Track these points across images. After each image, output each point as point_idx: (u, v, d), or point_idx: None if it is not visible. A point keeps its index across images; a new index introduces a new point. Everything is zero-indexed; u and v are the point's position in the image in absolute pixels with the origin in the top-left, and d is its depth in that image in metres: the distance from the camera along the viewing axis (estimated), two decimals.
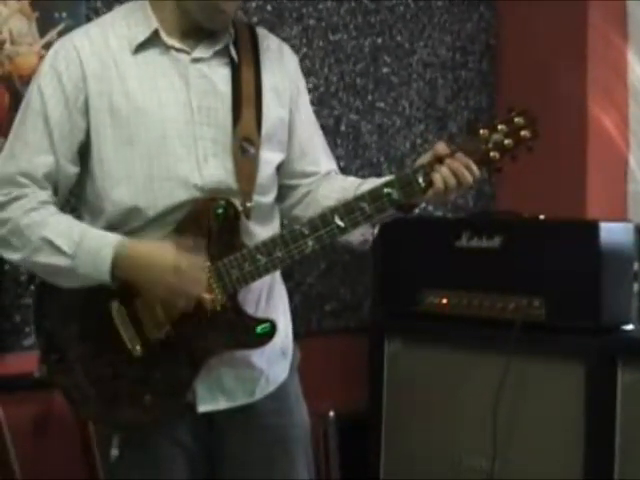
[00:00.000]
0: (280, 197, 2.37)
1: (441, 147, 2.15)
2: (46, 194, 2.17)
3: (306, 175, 2.37)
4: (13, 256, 2.17)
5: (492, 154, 2.14)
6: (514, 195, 4.14)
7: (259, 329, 2.19)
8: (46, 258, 2.12)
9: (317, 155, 2.39)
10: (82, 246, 2.11)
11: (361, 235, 2.31)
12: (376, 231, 2.34)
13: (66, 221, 2.16)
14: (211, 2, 2.15)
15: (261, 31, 2.34)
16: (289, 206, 2.38)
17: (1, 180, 2.17)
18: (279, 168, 2.33)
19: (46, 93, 2.16)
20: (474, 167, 2.13)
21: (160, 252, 2.11)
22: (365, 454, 3.60)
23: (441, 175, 2.12)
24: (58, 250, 2.11)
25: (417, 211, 2.25)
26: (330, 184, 2.35)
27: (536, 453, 3.19)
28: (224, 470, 2.31)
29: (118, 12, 2.28)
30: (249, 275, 2.15)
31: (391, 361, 3.55)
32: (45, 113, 2.16)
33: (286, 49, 2.38)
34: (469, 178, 2.13)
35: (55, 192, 2.19)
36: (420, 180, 2.13)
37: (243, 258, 2.15)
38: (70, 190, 2.24)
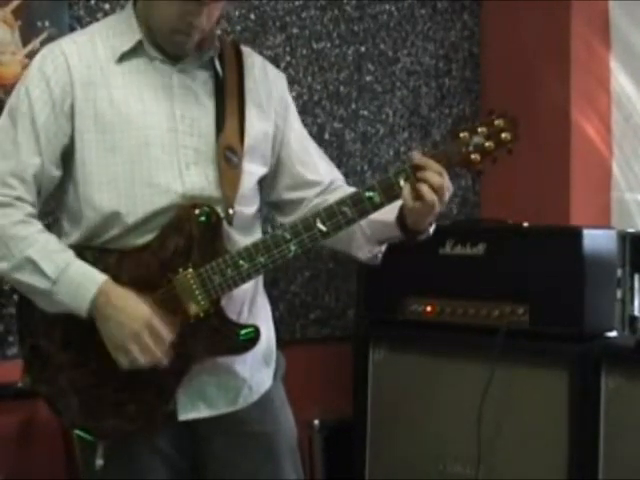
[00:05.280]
0: (287, 212, 2.37)
1: (416, 156, 2.14)
2: (32, 204, 2.16)
3: (309, 185, 2.36)
4: None
5: (473, 156, 2.13)
6: (498, 202, 4.15)
7: (243, 334, 2.19)
8: (27, 277, 2.12)
9: (316, 164, 2.39)
10: (66, 274, 2.11)
11: (369, 252, 2.31)
12: (384, 249, 2.34)
13: (53, 244, 2.15)
14: (168, 34, 2.17)
15: (246, 49, 2.36)
16: None
17: None
18: (280, 183, 2.34)
19: (33, 96, 2.17)
20: (445, 176, 2.11)
21: (136, 301, 2.11)
22: (350, 462, 3.60)
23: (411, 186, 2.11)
24: (40, 272, 2.11)
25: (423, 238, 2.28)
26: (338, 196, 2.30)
27: (520, 459, 3.19)
28: (208, 478, 2.30)
29: (106, 22, 2.30)
30: (232, 280, 2.14)
31: (376, 369, 3.55)
32: (32, 115, 2.16)
33: (270, 67, 2.39)
34: (440, 181, 2.10)
35: (38, 195, 2.18)
36: (401, 183, 2.12)
37: (225, 264, 2.14)
38: (52, 195, 2.23)
